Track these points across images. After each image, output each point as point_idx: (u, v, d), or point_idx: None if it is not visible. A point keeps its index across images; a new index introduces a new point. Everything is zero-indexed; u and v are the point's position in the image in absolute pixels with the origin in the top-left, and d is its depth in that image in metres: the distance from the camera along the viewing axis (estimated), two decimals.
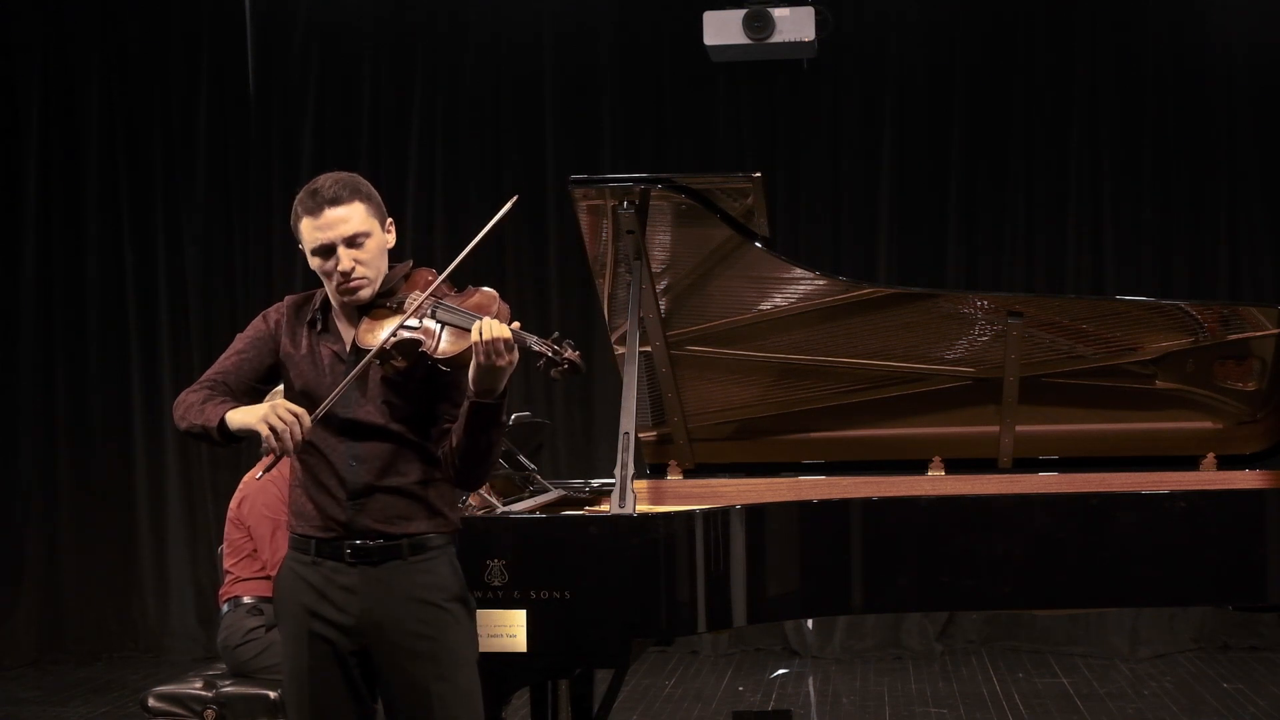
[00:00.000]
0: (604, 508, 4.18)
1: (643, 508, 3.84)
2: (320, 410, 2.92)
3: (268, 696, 4.26)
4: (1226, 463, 4.53)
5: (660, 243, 4.15)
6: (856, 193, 7.40)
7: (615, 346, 4.30)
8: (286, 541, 4.38)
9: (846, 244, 7.38)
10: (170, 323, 7.59)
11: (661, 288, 4.27)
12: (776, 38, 6.98)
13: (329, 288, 3.04)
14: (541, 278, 7.44)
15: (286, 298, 3.19)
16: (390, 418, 3.00)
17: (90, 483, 7.61)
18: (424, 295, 2.92)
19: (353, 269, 2.96)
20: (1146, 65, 7.24)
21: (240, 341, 3.12)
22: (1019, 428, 4.51)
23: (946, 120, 7.33)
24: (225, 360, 3.09)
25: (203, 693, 4.32)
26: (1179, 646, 7.05)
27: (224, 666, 4.49)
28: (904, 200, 7.35)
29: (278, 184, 7.58)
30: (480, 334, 2.81)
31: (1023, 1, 7.31)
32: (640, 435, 4.53)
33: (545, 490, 4.34)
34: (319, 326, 3.07)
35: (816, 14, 7.01)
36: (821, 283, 4.34)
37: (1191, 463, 4.52)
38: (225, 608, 4.51)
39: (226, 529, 4.58)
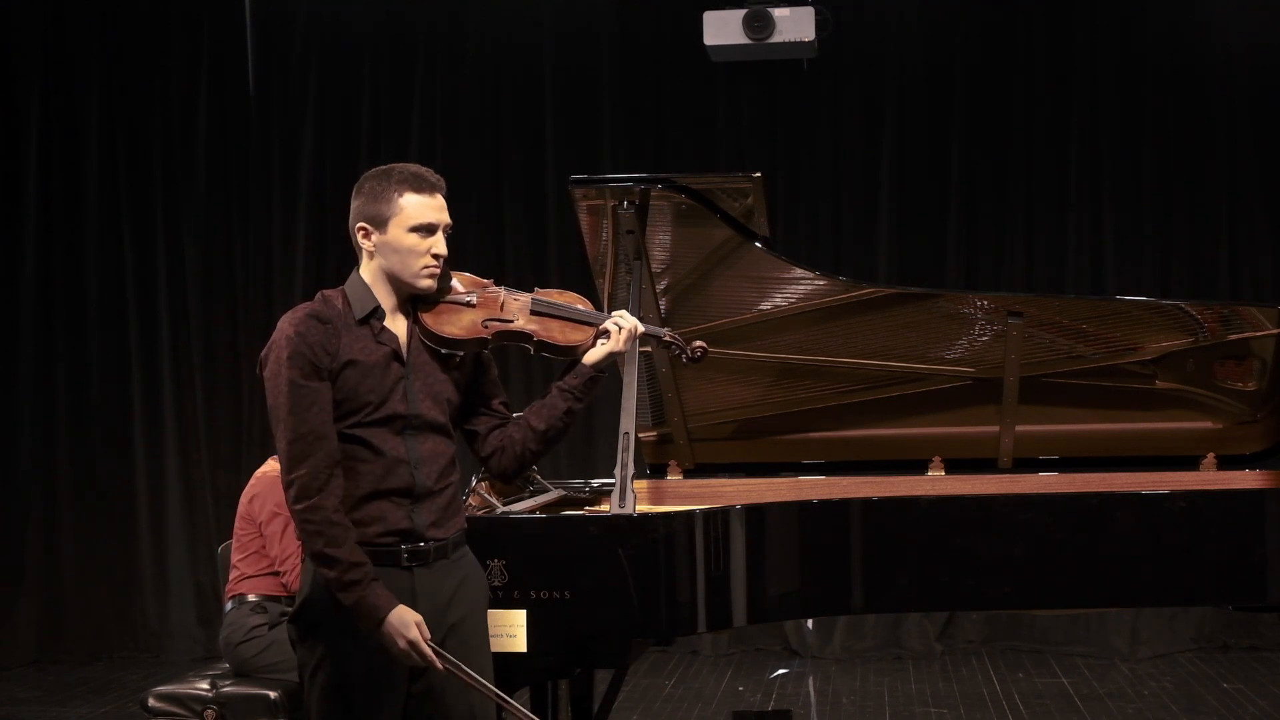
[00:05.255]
0: (604, 508, 4.18)
1: (643, 508, 3.83)
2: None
3: (268, 696, 4.26)
4: (1226, 463, 4.53)
5: (660, 243, 4.15)
6: (856, 193, 7.40)
7: None
8: (296, 540, 4.40)
9: (846, 244, 7.38)
10: (170, 322, 7.59)
11: (661, 288, 4.27)
12: (776, 38, 6.98)
13: (407, 269, 3.02)
14: (542, 278, 7.43)
15: (297, 314, 3.00)
16: (446, 415, 3.06)
17: (90, 482, 7.61)
18: (517, 293, 3.21)
19: (443, 255, 3.06)
20: (1146, 65, 7.24)
21: (299, 392, 2.90)
22: (1019, 428, 4.51)
23: (946, 120, 7.33)
24: (309, 421, 2.89)
25: (203, 693, 4.32)
26: (1179, 646, 7.05)
27: (224, 666, 4.49)
28: (904, 200, 7.35)
29: (278, 184, 7.59)
30: (618, 325, 3.22)
31: (1023, 1, 7.31)
32: (640, 435, 4.53)
33: (545, 490, 4.34)
34: (375, 328, 3.02)
35: (816, 14, 7.01)
36: (821, 283, 4.34)
37: (1191, 463, 4.52)
38: (229, 605, 4.51)
39: (236, 524, 4.57)
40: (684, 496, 4.55)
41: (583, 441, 7.42)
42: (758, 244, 4.17)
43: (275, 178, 7.60)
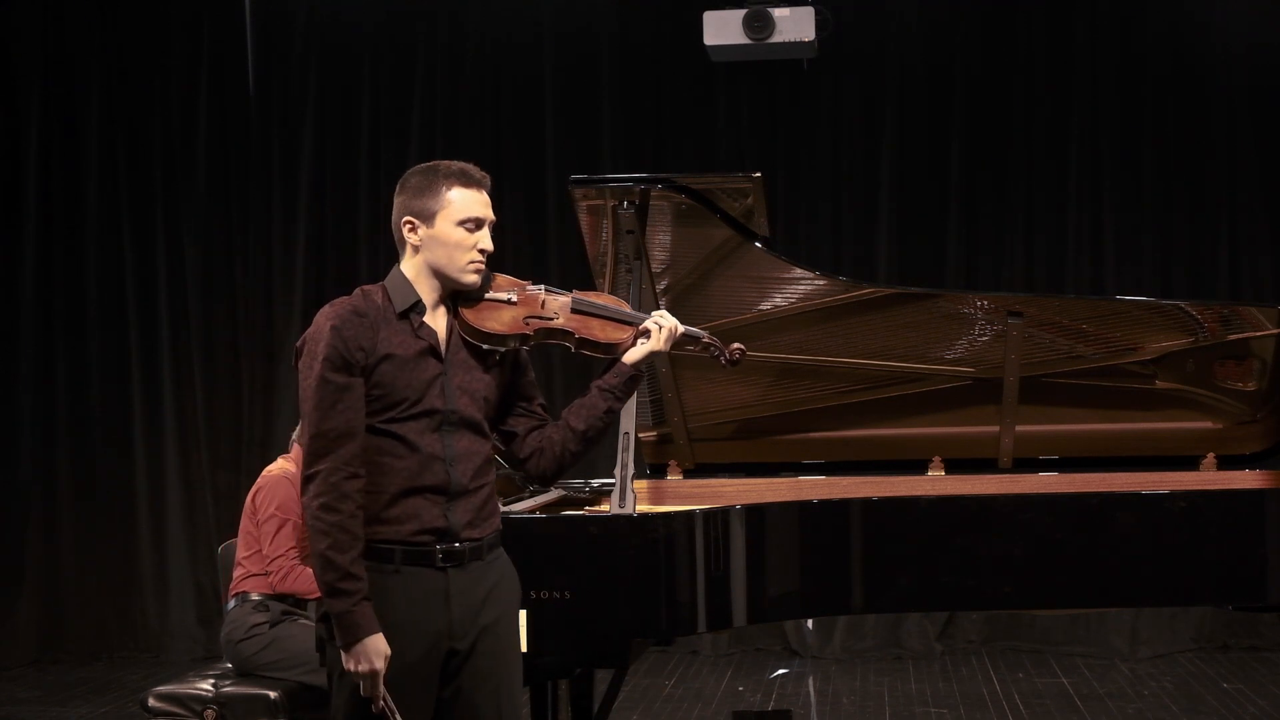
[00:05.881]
0: (604, 508, 4.18)
1: (643, 508, 3.84)
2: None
3: (268, 696, 4.26)
4: (1226, 463, 4.53)
5: (660, 243, 4.15)
6: (856, 193, 7.40)
7: None
8: (288, 541, 4.40)
9: (846, 244, 7.38)
10: (170, 322, 7.59)
11: (661, 288, 4.27)
12: (776, 38, 6.98)
13: (454, 263, 3.02)
14: (542, 278, 7.41)
15: (336, 307, 2.98)
16: (482, 413, 3.04)
17: (90, 483, 7.61)
18: (557, 292, 3.24)
19: (489, 250, 3.07)
20: (1146, 65, 7.24)
21: (328, 387, 2.89)
22: (1019, 428, 4.51)
23: (946, 120, 7.33)
24: (334, 418, 2.88)
25: (203, 692, 4.32)
26: (1179, 646, 7.05)
27: (225, 666, 4.49)
28: (904, 200, 7.36)
29: (278, 184, 7.59)
30: (659, 325, 3.21)
31: (1023, 1, 7.31)
32: (640, 435, 4.53)
33: (545, 490, 4.34)
34: (414, 323, 3.01)
35: (816, 14, 7.01)
36: (821, 283, 4.35)
37: (1191, 463, 4.53)
38: (232, 602, 4.50)
39: (241, 521, 4.56)
40: (684, 496, 4.55)
41: None
42: (758, 244, 4.18)
43: (275, 178, 7.60)
